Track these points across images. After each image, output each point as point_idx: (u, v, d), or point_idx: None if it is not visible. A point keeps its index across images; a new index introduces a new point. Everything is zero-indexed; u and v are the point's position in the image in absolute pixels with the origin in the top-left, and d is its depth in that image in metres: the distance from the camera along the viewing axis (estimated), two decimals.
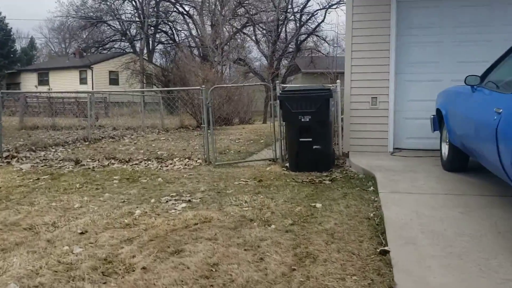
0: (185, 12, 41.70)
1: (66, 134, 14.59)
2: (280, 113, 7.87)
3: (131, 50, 45.71)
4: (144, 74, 39.02)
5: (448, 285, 3.05)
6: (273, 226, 4.50)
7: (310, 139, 7.38)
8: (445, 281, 3.09)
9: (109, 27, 46.11)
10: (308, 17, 36.76)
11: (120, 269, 3.59)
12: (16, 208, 5.54)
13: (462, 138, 5.57)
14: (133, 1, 44.00)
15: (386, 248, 3.71)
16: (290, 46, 37.19)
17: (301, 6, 36.93)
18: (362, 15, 8.29)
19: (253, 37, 37.48)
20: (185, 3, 41.24)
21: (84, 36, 46.17)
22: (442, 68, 8.24)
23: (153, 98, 24.12)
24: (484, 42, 8.06)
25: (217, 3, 36.07)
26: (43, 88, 43.56)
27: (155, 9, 43.34)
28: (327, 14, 41.46)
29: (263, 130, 15.87)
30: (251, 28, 37.61)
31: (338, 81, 8.60)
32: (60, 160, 9.20)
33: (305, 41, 37.92)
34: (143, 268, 3.59)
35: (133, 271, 3.57)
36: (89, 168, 8.37)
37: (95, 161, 9.05)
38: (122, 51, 47.35)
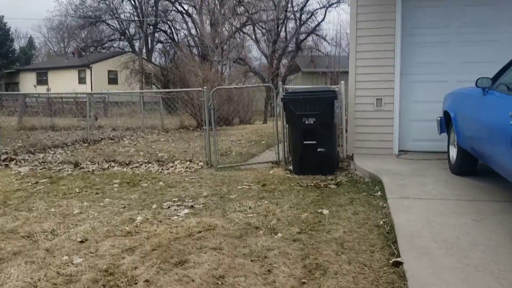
0: (184, 11, 41.56)
1: (65, 135, 14.45)
2: (284, 115, 7.72)
3: (130, 50, 45.59)
4: (143, 74, 38.83)
5: None
6: (279, 234, 4.35)
7: (315, 142, 7.23)
8: None
9: (108, 26, 46.09)
10: (308, 16, 36.63)
11: (122, 282, 3.45)
12: (14, 214, 5.39)
13: (473, 142, 5.43)
14: (132, 0, 43.90)
15: (399, 259, 3.56)
16: (290, 45, 37.03)
17: (301, 5, 36.77)
18: (366, 15, 8.13)
19: (253, 36, 37.32)
20: (184, 2, 41.11)
21: (83, 36, 46.10)
22: (448, 69, 8.09)
23: (152, 98, 23.94)
24: (490, 42, 7.92)
25: (216, 2, 35.88)
26: (42, 88, 43.57)
27: (154, 8, 43.22)
28: (327, 13, 41.02)
29: (264, 131, 15.72)
30: (251, 27, 37.44)
31: (342, 82, 8.44)
32: (59, 163, 9.05)
33: (305, 40, 37.76)
34: (146, 281, 3.44)
35: (136, 284, 3.42)
36: (89, 171, 8.22)
37: (94, 163, 8.90)
38: (121, 50, 47.25)
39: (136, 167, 8.52)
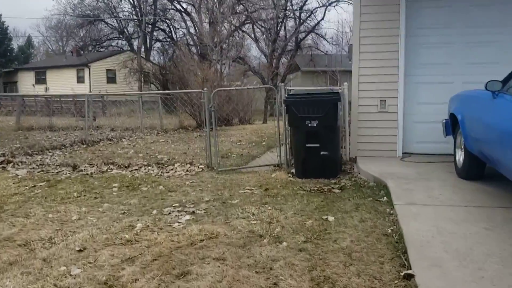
0: (183, 10, 41.37)
1: (63, 136, 14.30)
2: (286, 117, 7.58)
3: (129, 48, 45.35)
4: (142, 73, 38.67)
5: None
6: (284, 243, 4.21)
7: (318, 145, 7.09)
8: None
9: (106, 25, 45.87)
10: (307, 15, 36.46)
11: None
12: (10, 221, 5.26)
13: (481, 146, 5.29)
14: None
15: (410, 271, 3.41)
16: (289, 44, 36.88)
17: (301, 4, 36.60)
18: (370, 15, 7.99)
19: (252, 35, 37.14)
20: (183, 0, 40.94)
21: (82, 34, 45.92)
22: (452, 70, 7.96)
23: (151, 97, 23.76)
24: (495, 43, 7.79)
25: (215, 0, 35.69)
26: (41, 87, 43.36)
27: (153, 6, 43.00)
28: (326, 11, 40.82)
29: (264, 131, 15.58)
30: (250, 26, 37.27)
31: (345, 83, 8.30)
32: (57, 165, 8.89)
33: (305, 39, 37.62)
34: None
35: None
36: (87, 174, 8.07)
37: (93, 166, 8.75)
38: (119, 49, 47.02)
39: (136, 169, 8.37)
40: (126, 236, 4.60)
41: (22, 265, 3.94)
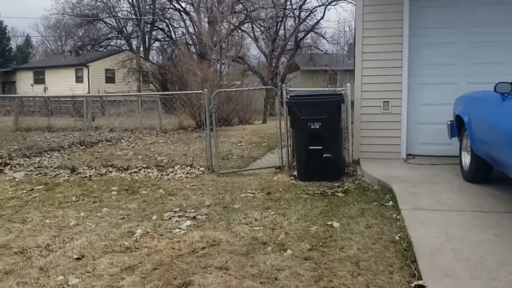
0: (182, 9, 41.18)
1: (62, 137, 14.17)
2: (288, 119, 7.46)
3: (128, 48, 45.19)
4: (141, 72, 38.51)
5: None
6: (289, 251, 4.08)
7: (320, 147, 6.96)
8: None
9: (105, 25, 45.72)
10: (307, 14, 36.31)
11: None
12: (7, 227, 5.13)
13: (490, 149, 5.16)
14: None
15: (421, 282, 3.29)
16: (289, 43, 36.74)
17: (300, 3, 36.44)
18: (373, 15, 7.86)
19: (252, 34, 36.98)
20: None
21: (80, 34, 45.78)
22: (457, 70, 7.83)
23: (150, 97, 23.60)
24: (501, 43, 7.67)
25: (214, 0, 35.53)
26: (39, 87, 43.17)
27: (152, 6, 42.83)
28: (326, 11, 40.63)
29: (264, 132, 15.44)
30: (249, 26, 37.12)
31: (348, 84, 8.16)
32: (56, 168, 8.75)
33: (304, 38, 37.49)
34: None
35: None
36: (86, 177, 7.93)
37: (92, 168, 8.61)
38: (118, 48, 46.84)
39: (135, 172, 8.23)
40: (126, 243, 4.47)
41: (18, 275, 3.81)
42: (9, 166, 8.94)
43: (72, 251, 4.28)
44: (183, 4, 40.92)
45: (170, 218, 5.29)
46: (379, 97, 7.95)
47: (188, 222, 5.09)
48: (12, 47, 58.24)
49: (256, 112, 24.98)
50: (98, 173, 8.20)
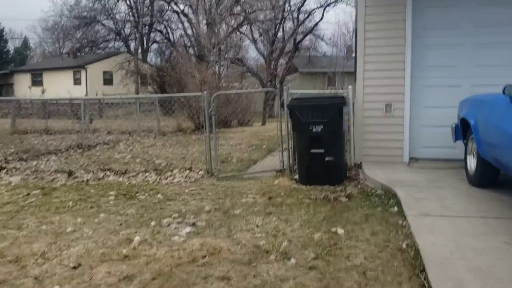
0: (180, 11, 41.10)
1: (59, 140, 14.01)
2: (289, 122, 7.33)
3: (126, 50, 45.11)
4: (139, 74, 38.38)
5: None
6: (293, 260, 3.94)
7: (322, 151, 6.84)
8: None
9: (103, 27, 45.71)
10: (305, 16, 36.27)
11: None
12: (1, 233, 4.98)
13: (497, 153, 5.03)
14: (127, 0, 43.46)
15: None
16: (287, 45, 36.66)
17: (299, 5, 36.39)
18: (375, 16, 7.73)
19: (250, 36, 36.92)
20: (180, 1, 40.67)
21: (78, 36, 45.70)
22: (461, 72, 7.68)
23: (148, 99, 23.46)
24: (506, 44, 7.50)
25: (213, 1, 35.44)
26: (37, 89, 43.10)
27: (150, 8, 42.76)
28: (325, 12, 40.67)
29: (264, 134, 15.31)
30: (248, 28, 37.04)
31: (349, 86, 8.03)
32: (53, 172, 8.60)
33: (303, 40, 37.43)
34: None
35: None
36: (83, 181, 7.79)
37: (89, 172, 8.47)
38: (116, 51, 46.72)
39: (133, 176, 8.09)
40: (124, 251, 4.33)
41: (12, 285, 3.68)
42: (5, 170, 8.79)
43: (69, 259, 4.15)
44: (181, 6, 40.88)
45: (169, 225, 5.14)
46: (381, 99, 7.82)
47: (188, 229, 4.95)
48: (10, 49, 58.23)
49: (255, 114, 24.86)
50: (95, 177, 8.06)
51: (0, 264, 4.12)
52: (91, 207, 6.03)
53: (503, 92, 4.81)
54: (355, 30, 8.18)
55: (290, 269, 3.75)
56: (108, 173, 8.39)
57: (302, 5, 36.29)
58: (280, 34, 36.72)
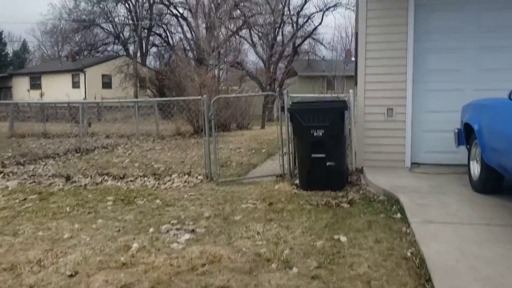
0: (179, 15, 41.04)
1: (57, 143, 13.90)
2: (290, 126, 7.24)
3: (125, 53, 44.99)
4: (138, 78, 38.28)
5: None
6: (295, 269, 3.84)
7: (323, 155, 6.74)
8: None
9: (102, 30, 45.56)
10: (305, 20, 36.24)
11: None
12: None
13: (502, 159, 4.94)
14: (126, 4, 43.37)
15: None
16: (286, 49, 36.63)
17: (298, 9, 36.37)
18: (377, 19, 7.65)
19: (249, 40, 36.88)
20: (179, 5, 40.63)
21: (77, 39, 45.57)
22: (463, 77, 7.60)
23: (147, 102, 23.36)
24: (510, 48, 7.42)
25: (212, 5, 35.41)
26: (36, 92, 42.99)
27: (149, 11, 42.69)
28: (324, 16, 40.66)
29: (263, 137, 15.23)
30: (247, 31, 37.01)
31: (350, 90, 7.95)
32: (50, 176, 8.50)
33: (302, 44, 37.40)
34: None
35: None
36: (81, 186, 7.69)
37: (87, 177, 8.36)
38: (115, 54, 46.62)
39: (131, 181, 7.99)
40: (122, 258, 4.23)
41: None
42: (2, 174, 8.70)
43: (65, 267, 4.05)
44: (181, 10, 40.84)
45: (167, 231, 5.05)
46: (383, 103, 7.74)
47: (187, 236, 4.85)
48: (9, 52, 58.12)
49: (254, 117, 24.79)
50: (93, 182, 7.96)
51: None
52: (89, 213, 5.93)
53: (509, 97, 4.72)
54: (355, 34, 8.09)
55: (292, 278, 3.66)
56: (106, 177, 8.29)
57: (301, 9, 36.32)
58: (279, 38, 36.73)
